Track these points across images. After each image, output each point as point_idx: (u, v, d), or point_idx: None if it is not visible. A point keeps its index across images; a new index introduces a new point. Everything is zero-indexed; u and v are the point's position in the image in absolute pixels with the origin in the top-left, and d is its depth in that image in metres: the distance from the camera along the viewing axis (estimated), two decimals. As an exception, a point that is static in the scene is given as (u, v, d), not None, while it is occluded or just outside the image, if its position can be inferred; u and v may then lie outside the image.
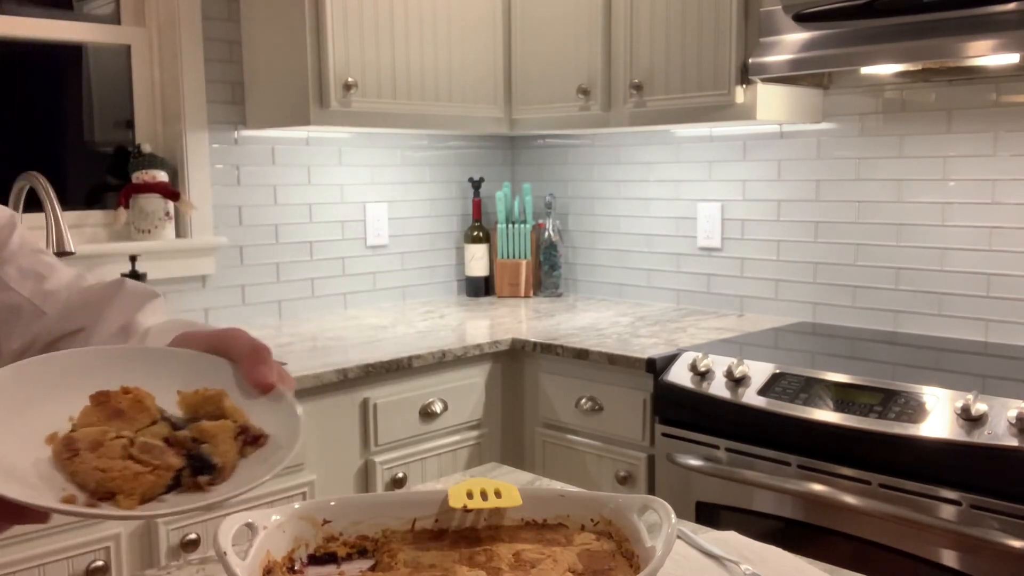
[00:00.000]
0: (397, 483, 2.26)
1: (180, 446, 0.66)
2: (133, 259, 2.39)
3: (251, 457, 0.69)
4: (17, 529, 1.69)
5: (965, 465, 1.72)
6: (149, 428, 0.68)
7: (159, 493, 0.64)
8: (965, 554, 1.72)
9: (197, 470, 0.66)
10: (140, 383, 0.70)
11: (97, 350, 0.77)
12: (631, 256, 3.09)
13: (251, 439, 0.70)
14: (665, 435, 2.17)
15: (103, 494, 0.62)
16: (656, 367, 2.20)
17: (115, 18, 2.56)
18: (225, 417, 0.70)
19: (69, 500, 0.62)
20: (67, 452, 0.64)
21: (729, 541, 1.15)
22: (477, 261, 3.22)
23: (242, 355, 0.82)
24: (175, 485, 0.66)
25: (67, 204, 2.40)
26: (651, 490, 2.23)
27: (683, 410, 2.15)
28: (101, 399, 0.68)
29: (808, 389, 1.97)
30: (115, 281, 1.05)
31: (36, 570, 1.72)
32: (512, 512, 1.10)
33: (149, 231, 2.49)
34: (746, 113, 2.37)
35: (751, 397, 2.02)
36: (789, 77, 2.34)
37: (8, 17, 2.35)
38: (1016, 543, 1.65)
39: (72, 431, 0.67)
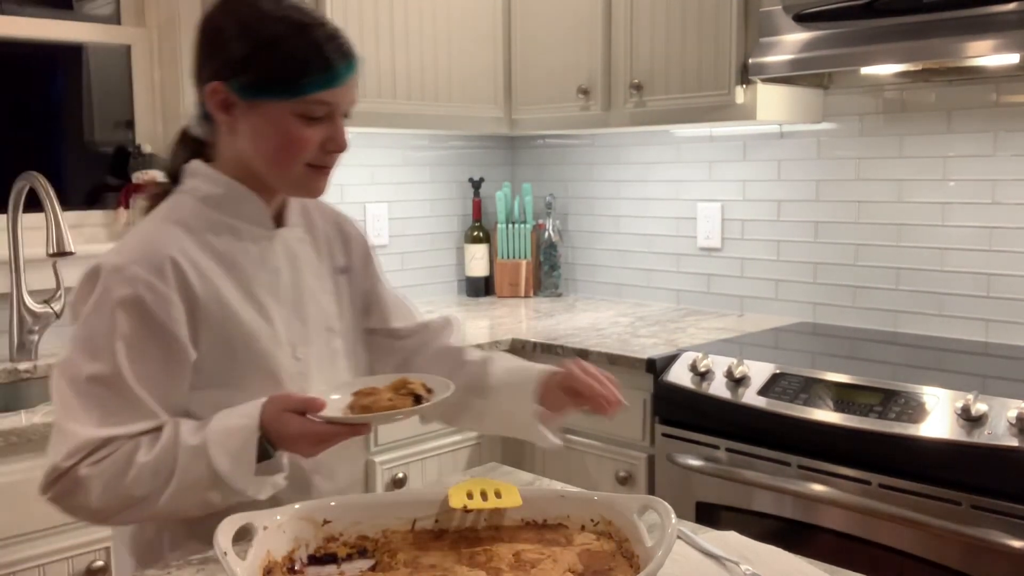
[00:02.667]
0: (397, 483, 2.26)
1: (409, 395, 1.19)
2: (133, 259, 2.39)
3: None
4: (18, 529, 1.69)
5: (965, 465, 1.72)
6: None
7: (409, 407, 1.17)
8: (965, 554, 1.72)
9: (417, 400, 1.17)
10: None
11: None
12: (631, 256, 3.09)
13: (428, 390, 1.20)
14: (665, 435, 2.17)
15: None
16: (656, 367, 2.20)
17: (115, 18, 2.56)
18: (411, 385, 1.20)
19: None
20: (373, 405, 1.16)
21: (729, 541, 1.16)
22: (477, 261, 3.22)
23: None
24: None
25: (67, 204, 2.39)
26: (651, 490, 2.23)
27: (683, 410, 2.15)
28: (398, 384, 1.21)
29: (808, 389, 1.97)
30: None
31: (36, 570, 1.72)
32: (512, 512, 1.10)
33: (149, 231, 2.49)
34: (746, 113, 2.37)
35: (751, 397, 2.02)
36: (789, 77, 2.34)
37: (8, 17, 2.35)
38: (1016, 543, 1.64)
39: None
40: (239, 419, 1.12)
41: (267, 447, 1.11)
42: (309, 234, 1.35)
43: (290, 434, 1.10)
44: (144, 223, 1.22)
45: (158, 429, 1.13)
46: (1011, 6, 1.87)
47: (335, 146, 1.22)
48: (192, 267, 1.17)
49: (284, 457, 1.14)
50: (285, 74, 1.15)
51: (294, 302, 1.27)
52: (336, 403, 1.16)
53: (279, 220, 1.30)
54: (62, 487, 1.09)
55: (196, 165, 1.24)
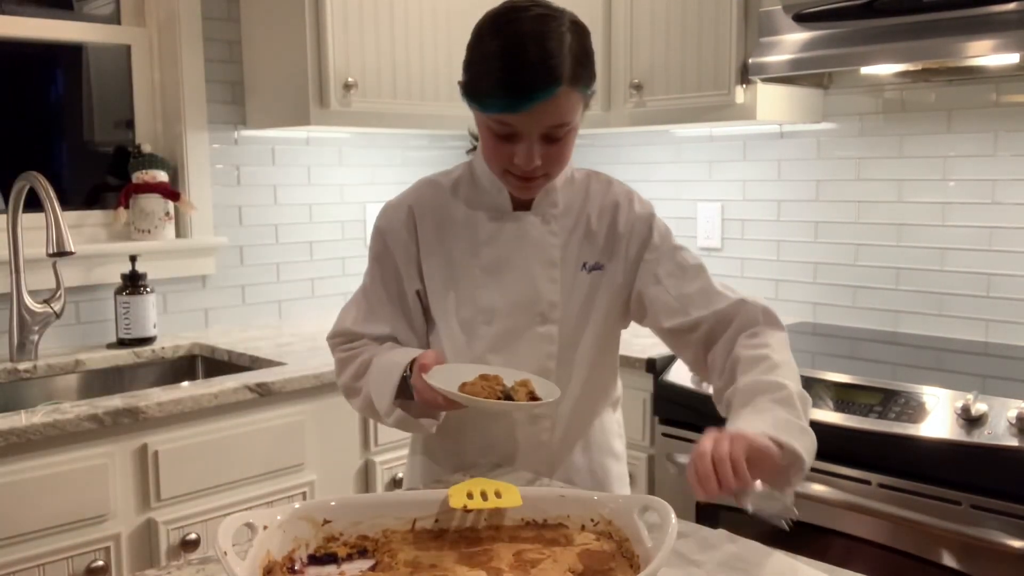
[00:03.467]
0: (397, 483, 2.26)
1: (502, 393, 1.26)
2: (133, 259, 2.39)
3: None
4: (18, 529, 1.69)
5: (965, 465, 1.72)
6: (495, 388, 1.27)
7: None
8: (965, 554, 1.72)
9: (507, 397, 1.25)
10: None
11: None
12: (631, 256, 3.09)
13: (533, 397, 1.26)
14: (665, 435, 2.17)
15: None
16: (656, 367, 2.20)
17: (115, 18, 2.56)
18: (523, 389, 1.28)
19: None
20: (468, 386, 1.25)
21: (724, 540, 1.15)
22: (477, 261, 3.22)
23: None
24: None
25: (67, 204, 2.39)
26: (651, 490, 2.23)
27: (683, 410, 2.15)
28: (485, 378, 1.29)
29: (808, 389, 1.96)
30: (737, 301, 1.41)
31: (36, 570, 1.72)
32: (512, 512, 1.10)
33: (149, 231, 2.49)
34: (746, 113, 2.37)
35: (751, 397, 2.02)
36: (789, 77, 2.34)
37: (8, 17, 2.35)
38: (1016, 543, 1.65)
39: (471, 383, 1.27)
40: (399, 356, 1.34)
41: (410, 388, 1.30)
42: (563, 224, 1.40)
43: (413, 383, 1.29)
44: (427, 175, 1.49)
45: (390, 339, 1.42)
46: (1011, 6, 1.87)
47: (519, 162, 1.28)
48: (423, 218, 1.41)
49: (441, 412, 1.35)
50: (473, 91, 1.27)
51: (501, 278, 1.38)
52: (457, 376, 1.28)
53: (527, 204, 1.40)
54: (333, 359, 1.46)
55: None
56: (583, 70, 1.27)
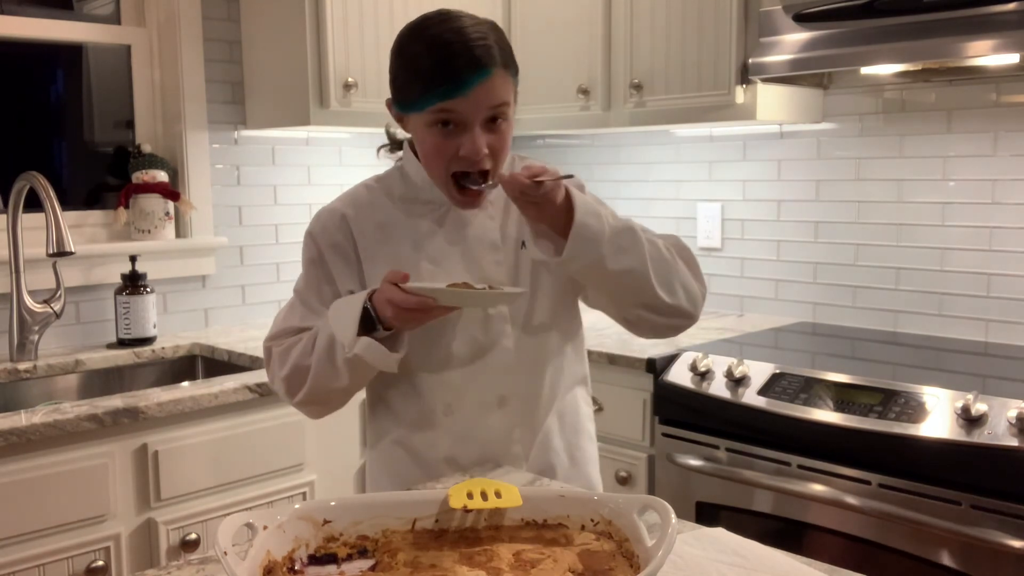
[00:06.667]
0: (397, 483, 2.26)
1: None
2: (133, 259, 2.39)
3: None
4: (18, 529, 1.69)
5: (965, 465, 1.72)
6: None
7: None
8: (965, 554, 1.72)
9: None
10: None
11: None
12: (631, 256, 3.09)
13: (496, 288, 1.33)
14: (665, 435, 2.17)
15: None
16: (656, 367, 2.20)
17: (115, 18, 2.56)
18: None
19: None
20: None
21: (720, 539, 1.15)
22: (477, 261, 3.22)
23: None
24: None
25: (67, 204, 2.39)
26: (651, 490, 2.23)
27: (683, 410, 2.15)
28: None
29: (808, 389, 1.97)
30: None
31: (36, 570, 1.72)
32: (512, 512, 1.10)
33: (149, 231, 2.49)
34: (746, 113, 2.37)
35: (751, 397, 2.02)
36: (789, 77, 2.34)
37: (8, 17, 2.35)
38: (1016, 543, 1.65)
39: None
40: (357, 295, 1.34)
41: (374, 319, 1.30)
42: (498, 207, 1.45)
43: (383, 297, 1.28)
44: (362, 181, 1.53)
45: None
46: (1011, 6, 1.87)
47: (466, 152, 1.31)
48: (361, 222, 1.43)
49: (403, 343, 1.33)
50: (408, 96, 1.33)
51: (448, 267, 1.42)
52: (427, 291, 1.29)
53: None
54: (265, 360, 1.46)
55: (407, 145, 1.49)
56: (510, 59, 1.33)
